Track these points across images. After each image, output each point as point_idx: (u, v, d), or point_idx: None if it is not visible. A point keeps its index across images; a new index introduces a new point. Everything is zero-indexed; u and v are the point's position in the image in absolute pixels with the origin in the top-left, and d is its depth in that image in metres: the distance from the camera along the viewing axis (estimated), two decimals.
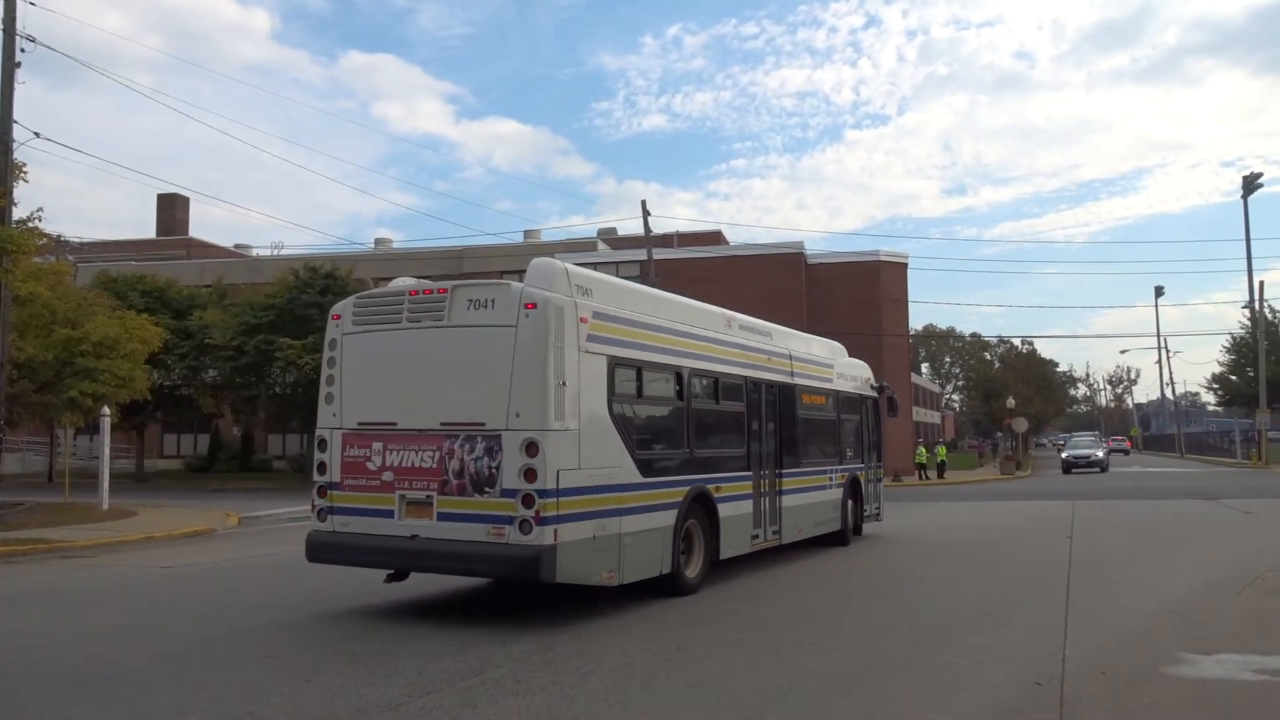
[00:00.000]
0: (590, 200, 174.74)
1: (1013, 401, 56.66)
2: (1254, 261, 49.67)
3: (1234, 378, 54.54)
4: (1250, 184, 49.28)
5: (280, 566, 13.58)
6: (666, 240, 48.00)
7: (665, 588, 10.07)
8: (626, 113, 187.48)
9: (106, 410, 23.38)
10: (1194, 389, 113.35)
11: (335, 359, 9.74)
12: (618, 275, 44.70)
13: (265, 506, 25.20)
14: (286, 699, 6.17)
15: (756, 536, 12.28)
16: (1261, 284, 49.40)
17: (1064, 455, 48.10)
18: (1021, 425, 51.71)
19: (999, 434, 74.56)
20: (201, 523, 19.71)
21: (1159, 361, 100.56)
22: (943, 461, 40.86)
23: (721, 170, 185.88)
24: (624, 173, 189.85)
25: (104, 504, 21.79)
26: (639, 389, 10.03)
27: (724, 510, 11.25)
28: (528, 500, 8.38)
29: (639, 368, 10.01)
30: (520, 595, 10.48)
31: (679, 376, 10.77)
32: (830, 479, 15.11)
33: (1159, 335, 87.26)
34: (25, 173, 17.61)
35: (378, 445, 9.21)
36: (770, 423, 12.91)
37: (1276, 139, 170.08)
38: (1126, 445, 60.50)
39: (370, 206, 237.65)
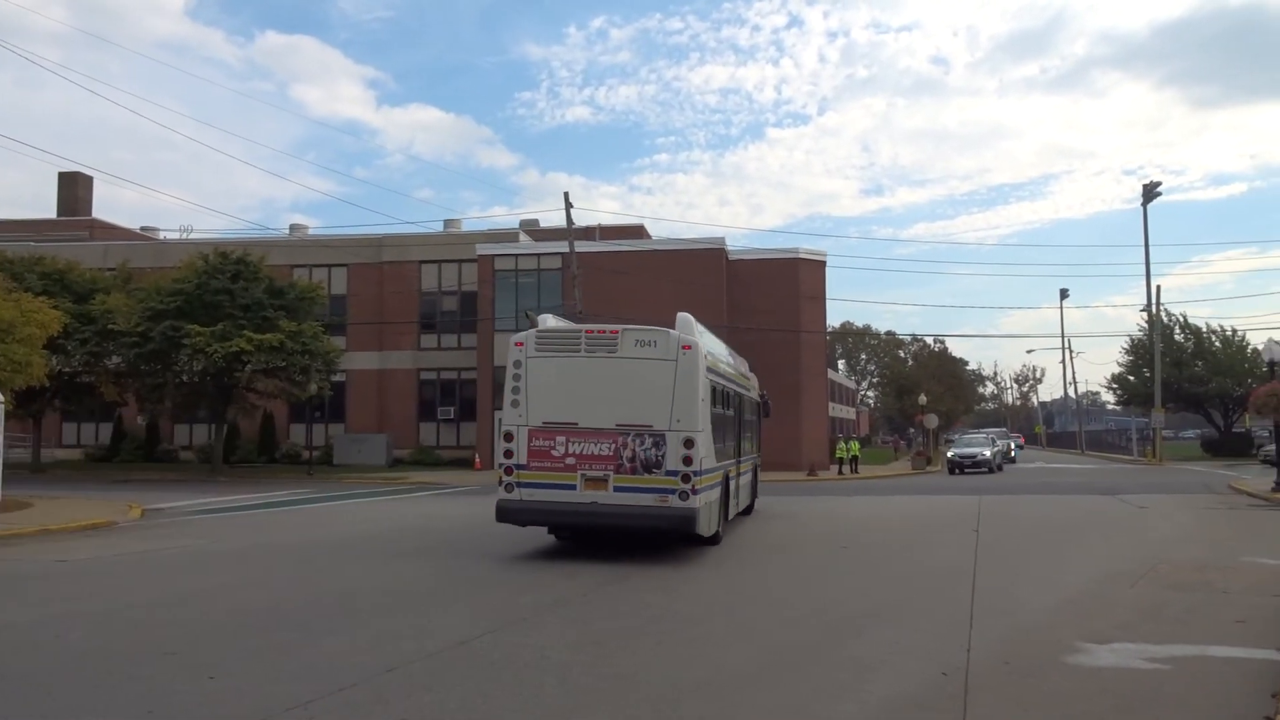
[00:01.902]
0: (514, 191, 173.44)
1: (924, 398, 58.13)
2: (1152, 266, 51.78)
3: (1132, 378, 56.68)
4: (1150, 192, 51.35)
5: (185, 560, 13.18)
6: (589, 233, 47.82)
7: (709, 540, 13.78)
8: (550, 104, 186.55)
9: (0, 396, 22.34)
10: (1095, 388, 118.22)
11: (520, 375, 13.15)
12: (539, 267, 44.18)
13: (171, 498, 24.40)
14: (189, 697, 5.97)
15: (739, 506, 17.07)
16: (1158, 288, 51.72)
17: (949, 455, 43.20)
18: (933, 422, 53.09)
19: (911, 430, 76.47)
20: (102, 515, 18.98)
21: (1063, 361, 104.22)
22: (855, 456, 41.66)
23: (645, 164, 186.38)
24: (548, 164, 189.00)
25: None
26: (713, 403, 13.89)
27: (732, 486, 15.64)
28: (685, 478, 12.43)
29: (715, 388, 14.08)
30: (427, 592, 10.35)
31: (726, 395, 15.31)
32: (752, 465, 19.70)
33: (1063, 336, 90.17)
34: None
35: (561, 438, 12.80)
36: (741, 424, 17.30)
37: (1175, 150, 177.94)
38: (1020, 441, 61.80)
39: (286, 191, 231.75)
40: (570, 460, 12.73)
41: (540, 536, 14.57)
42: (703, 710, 5.87)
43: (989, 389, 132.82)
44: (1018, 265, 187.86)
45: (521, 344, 13.37)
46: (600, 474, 12.62)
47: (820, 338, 44.72)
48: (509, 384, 13.22)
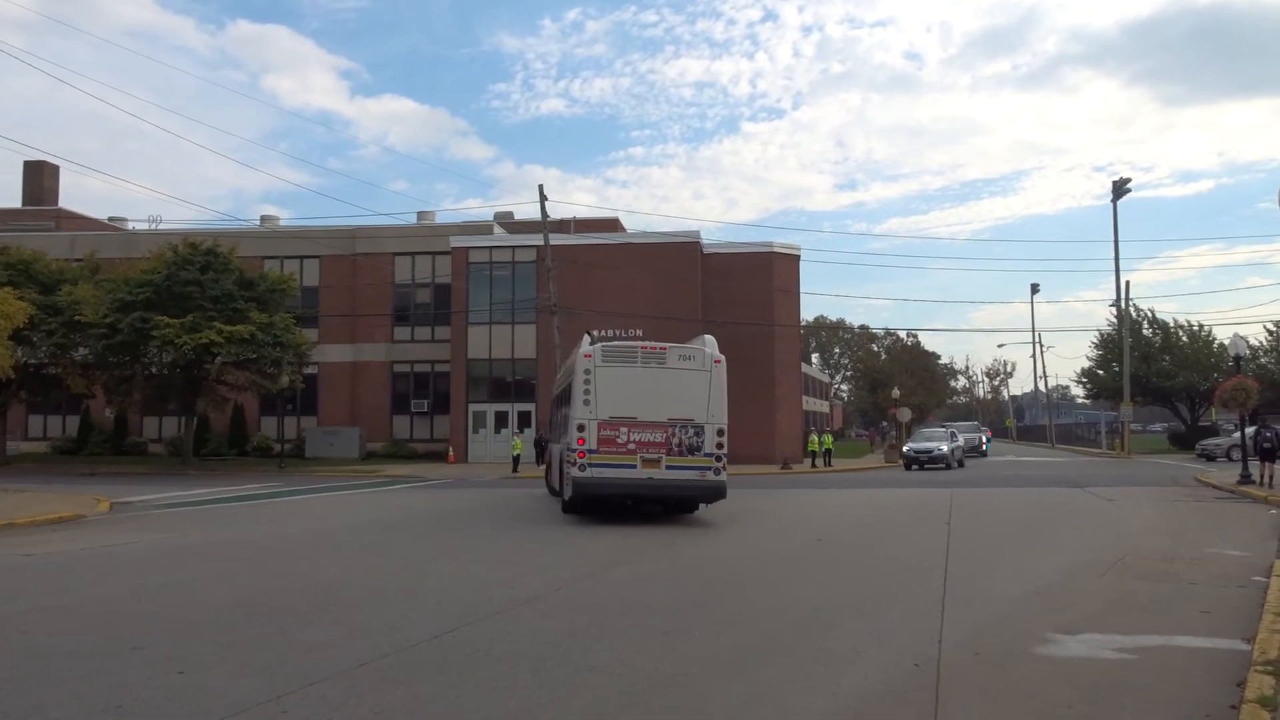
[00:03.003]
0: (489, 184, 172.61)
1: (898, 392, 58.57)
2: (1121, 262, 52.40)
3: (1101, 372, 57.32)
4: (1119, 188, 51.91)
5: (154, 554, 13.03)
6: (564, 226, 47.73)
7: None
8: (525, 96, 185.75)
9: None
10: (1065, 382, 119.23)
11: (591, 380, 16.69)
12: (513, 259, 44.15)
13: (139, 492, 24.13)
14: (157, 692, 5.91)
15: None
16: (1127, 283, 52.25)
17: (904, 449, 41.69)
18: (905, 415, 53.44)
19: (884, 424, 77.01)
20: (68, 508, 18.74)
21: (1033, 356, 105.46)
22: (828, 449, 41.88)
23: (620, 158, 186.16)
24: (523, 157, 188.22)
25: None
26: None
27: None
28: (718, 459, 16.72)
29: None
30: (400, 586, 10.30)
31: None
32: None
33: (1034, 331, 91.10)
34: None
35: (624, 429, 16.54)
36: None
37: (1144, 146, 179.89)
38: (989, 434, 61.94)
39: (257, 182, 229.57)
40: (631, 446, 16.56)
41: (523, 532, 14.53)
42: (673, 702, 5.88)
43: (961, 383, 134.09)
44: (990, 260, 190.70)
45: (590, 355, 16.85)
46: (655, 456, 16.58)
47: (794, 331, 44.92)
48: (580, 387, 16.70)
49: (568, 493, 17.34)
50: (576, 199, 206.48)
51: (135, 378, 35.28)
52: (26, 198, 56.52)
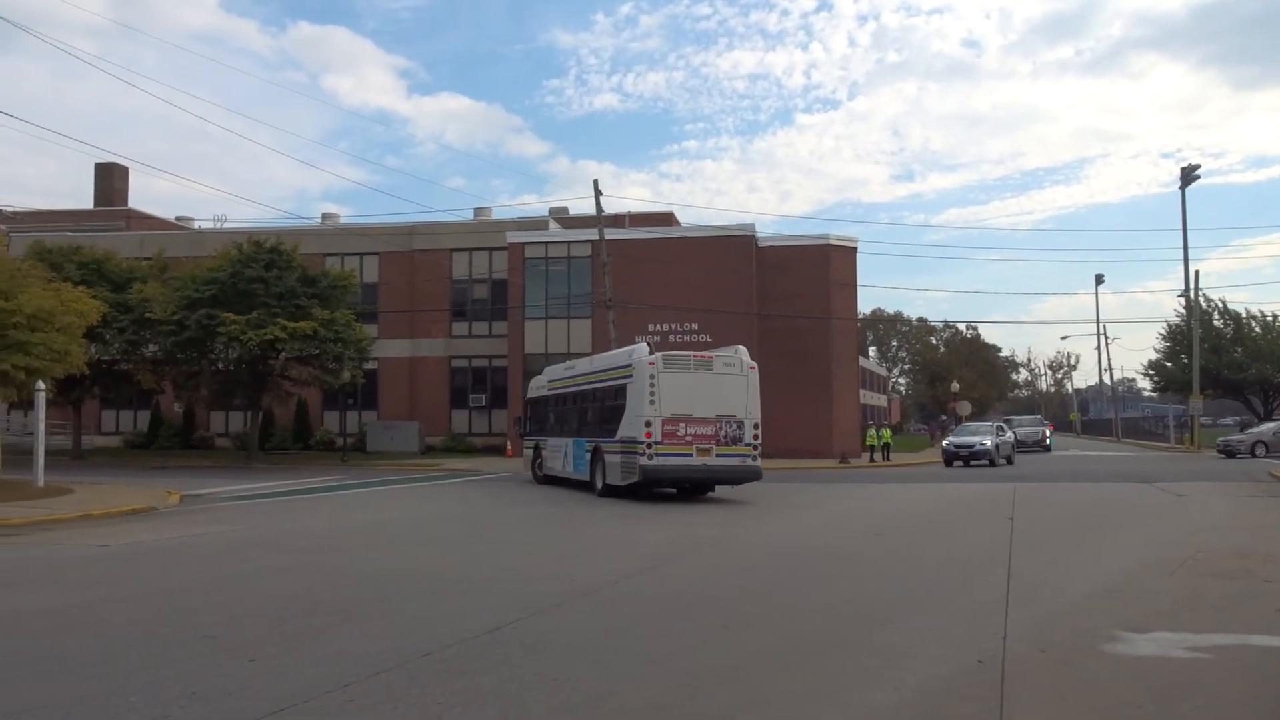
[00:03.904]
0: (543, 179, 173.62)
1: (957, 385, 57.80)
2: (1190, 251, 51.18)
3: (1169, 364, 55.83)
4: (1188, 175, 50.45)
5: (223, 545, 13.36)
6: (618, 220, 47.79)
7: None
8: (578, 91, 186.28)
9: (41, 384, 22.74)
10: (1131, 375, 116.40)
11: (655, 383, 19.54)
12: (569, 254, 44.48)
13: (208, 485, 24.75)
14: (229, 679, 6.06)
15: None
16: (1197, 273, 50.88)
17: (944, 444, 39.62)
18: (965, 408, 52.72)
19: (944, 417, 75.91)
20: (141, 500, 19.29)
21: (1098, 348, 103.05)
22: (887, 444, 41.39)
23: (673, 151, 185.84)
24: (577, 152, 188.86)
25: (39, 481, 21.23)
26: None
27: None
28: (755, 448, 20.20)
29: None
30: (460, 578, 10.42)
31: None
32: None
33: (1098, 322, 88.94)
34: None
35: (682, 425, 19.55)
36: None
37: (1214, 131, 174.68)
38: (1050, 428, 60.26)
39: (318, 181, 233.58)
40: (688, 438, 19.62)
41: (578, 526, 14.59)
42: (734, 695, 5.87)
43: (1023, 376, 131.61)
44: (1052, 250, 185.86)
45: (653, 363, 19.78)
46: (707, 446, 19.75)
47: (851, 324, 44.44)
48: (645, 390, 19.61)
49: (633, 478, 19.85)
50: (630, 193, 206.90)
51: (202, 373, 36.20)
52: (98, 199, 58.22)
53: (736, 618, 8.19)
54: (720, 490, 21.94)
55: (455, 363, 44.60)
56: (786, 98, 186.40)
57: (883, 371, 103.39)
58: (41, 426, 22.56)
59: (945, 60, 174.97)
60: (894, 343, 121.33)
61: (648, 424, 19.31)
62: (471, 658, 6.64)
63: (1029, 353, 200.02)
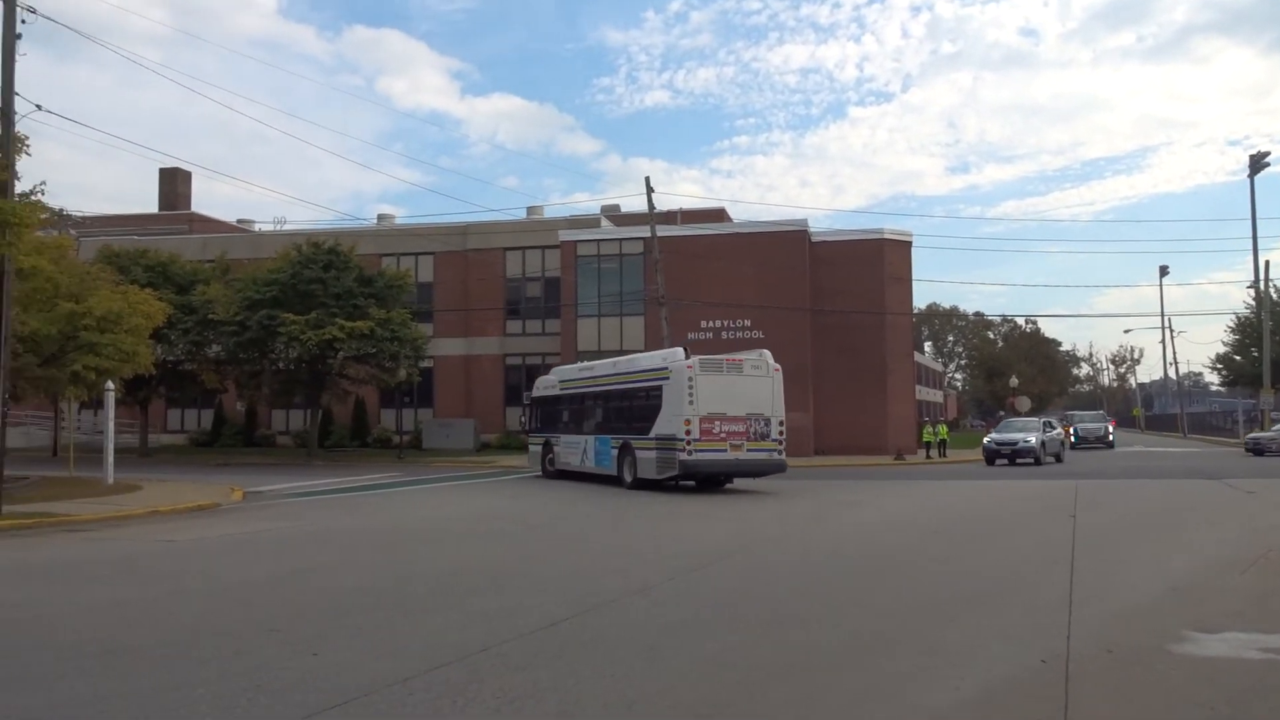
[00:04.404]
0: (595, 177, 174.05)
1: (1016, 380, 56.75)
2: (1259, 241, 49.86)
3: (1238, 358, 54.31)
4: (1257, 163, 48.99)
5: (285, 541, 13.63)
6: (670, 217, 47.71)
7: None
8: (629, 89, 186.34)
9: (111, 384, 23.40)
10: (1198, 369, 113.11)
11: (693, 385, 21.11)
12: (621, 252, 44.43)
13: (269, 481, 25.26)
14: (293, 672, 6.18)
15: None
16: (1267, 263, 49.21)
17: (984, 441, 37.54)
18: (1025, 404, 51.77)
19: (1001, 413, 74.63)
20: (206, 497, 19.76)
21: (1162, 341, 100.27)
22: (944, 440, 40.83)
23: (724, 147, 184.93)
24: (628, 149, 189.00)
25: (108, 478, 21.86)
26: None
27: None
28: (780, 442, 21.84)
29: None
30: (516, 574, 10.49)
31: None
32: None
33: (1163, 315, 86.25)
34: (28, 146, 17.43)
35: (717, 423, 21.15)
36: None
37: None
38: (1112, 424, 58.39)
39: (374, 182, 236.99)
40: (722, 435, 21.25)
41: (631, 523, 14.61)
42: (790, 692, 5.84)
43: (1084, 370, 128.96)
44: (1113, 242, 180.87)
45: (692, 366, 21.39)
46: (739, 442, 21.41)
47: (906, 319, 43.94)
48: (684, 391, 21.14)
49: (671, 471, 21.43)
50: (682, 190, 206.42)
51: (264, 372, 37.00)
52: (162, 203, 59.68)
53: (793, 615, 8.14)
54: (767, 485, 22.95)
55: (509, 360, 44.92)
56: (839, 91, 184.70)
57: (939, 367, 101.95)
58: (111, 425, 23.21)
59: (1002, 49, 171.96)
60: (950, 338, 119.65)
61: (687, 422, 20.87)
62: (529, 653, 6.69)
63: (1090, 347, 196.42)
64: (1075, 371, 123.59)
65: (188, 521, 16.35)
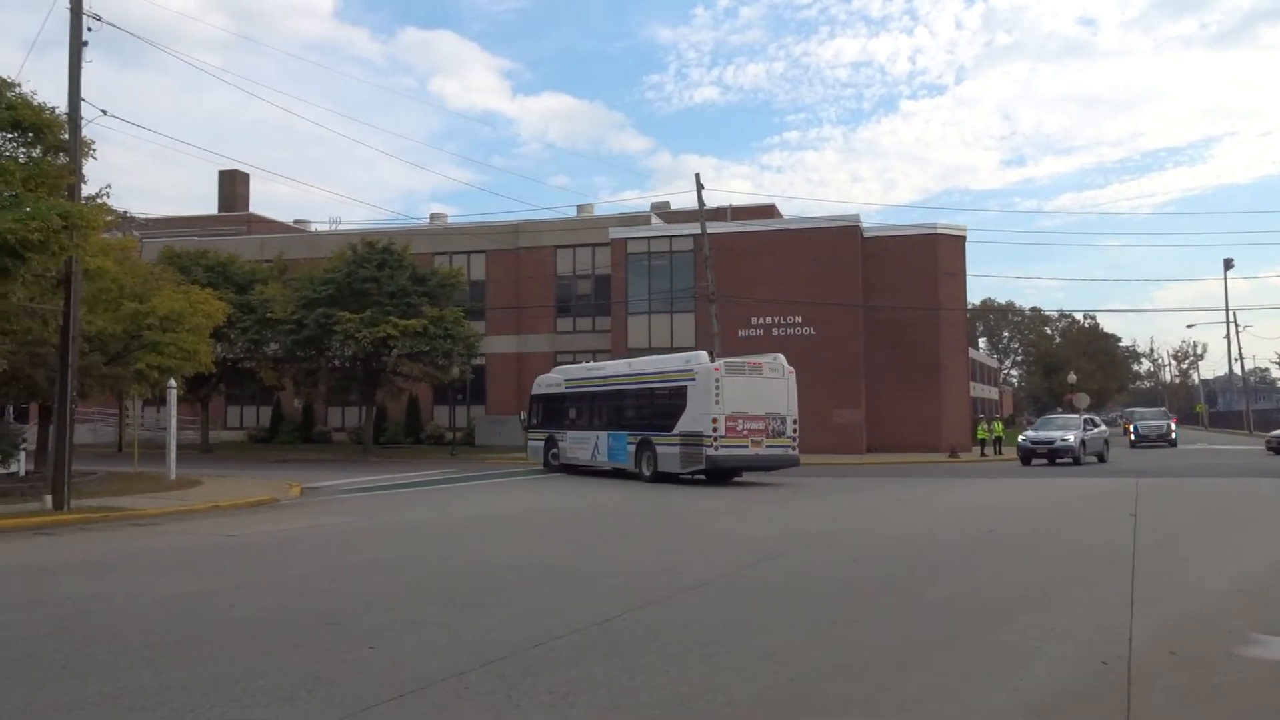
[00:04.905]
0: (646, 174, 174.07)
1: (1074, 377, 55.66)
2: None
3: None
4: None
5: (342, 536, 13.86)
6: (720, 214, 47.54)
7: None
8: (678, 85, 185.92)
9: (173, 382, 23.98)
10: (1264, 364, 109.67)
11: (720, 387, 22.67)
12: (671, 249, 44.38)
13: (326, 477, 25.70)
14: (351, 665, 6.29)
15: None
16: None
17: (1020, 440, 35.51)
18: (1083, 401, 50.71)
19: (1059, 409, 73.29)
20: (265, 493, 20.17)
21: (1227, 336, 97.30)
22: (999, 438, 40.20)
23: (774, 143, 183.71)
24: (678, 146, 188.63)
25: (171, 474, 22.41)
26: None
27: None
28: (794, 439, 23.85)
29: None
30: (568, 570, 10.55)
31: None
32: None
33: (1227, 309, 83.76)
34: (94, 150, 17.90)
35: (740, 421, 22.75)
36: None
37: None
38: (1174, 421, 56.40)
39: (426, 182, 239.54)
40: (744, 432, 22.88)
41: (681, 519, 14.60)
42: (844, 691, 5.80)
43: (1145, 366, 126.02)
44: (1175, 235, 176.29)
45: (718, 369, 23.02)
46: (759, 439, 23.09)
47: (960, 315, 43.35)
48: (711, 391, 22.71)
49: (696, 466, 23.05)
50: (732, 186, 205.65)
51: (320, 370, 37.66)
52: (222, 204, 61.01)
53: (846, 613, 8.08)
54: (809, 481, 24.35)
55: (560, 358, 45.01)
56: (890, 84, 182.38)
57: (994, 363, 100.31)
58: (173, 422, 23.80)
59: (1059, 40, 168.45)
60: (1005, 333, 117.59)
61: (714, 420, 22.50)
62: (583, 648, 6.73)
63: (1151, 342, 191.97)
64: (1135, 368, 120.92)
65: (248, 516, 16.70)
